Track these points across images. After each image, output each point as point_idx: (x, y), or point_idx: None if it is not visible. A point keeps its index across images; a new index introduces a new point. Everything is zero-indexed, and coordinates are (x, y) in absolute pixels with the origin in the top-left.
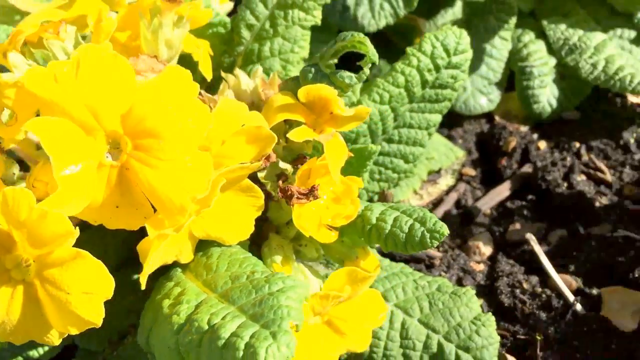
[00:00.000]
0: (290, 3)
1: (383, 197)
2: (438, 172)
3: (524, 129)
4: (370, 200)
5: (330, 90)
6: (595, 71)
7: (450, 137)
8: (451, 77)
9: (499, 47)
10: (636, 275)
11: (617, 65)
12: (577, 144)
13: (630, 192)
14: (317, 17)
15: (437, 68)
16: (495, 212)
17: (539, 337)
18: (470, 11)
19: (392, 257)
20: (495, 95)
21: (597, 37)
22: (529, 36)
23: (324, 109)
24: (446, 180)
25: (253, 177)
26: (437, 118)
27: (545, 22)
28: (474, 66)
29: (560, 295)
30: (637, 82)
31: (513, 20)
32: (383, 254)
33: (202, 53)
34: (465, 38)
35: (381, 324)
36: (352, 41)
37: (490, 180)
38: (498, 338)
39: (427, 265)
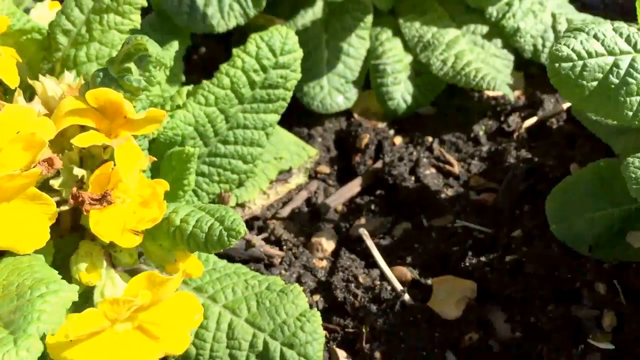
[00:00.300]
0: (105, 7)
1: (221, 199)
2: (289, 171)
3: (381, 125)
4: (213, 202)
5: (116, 93)
6: (445, 67)
7: (310, 136)
8: (281, 77)
9: (357, 45)
10: (467, 264)
11: (465, 61)
12: (430, 139)
13: (476, 183)
14: (135, 20)
15: (264, 69)
16: (345, 209)
17: (364, 330)
18: (330, 11)
19: (231, 258)
20: (353, 93)
21: (451, 33)
22: (386, 34)
23: (117, 113)
24: (298, 179)
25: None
26: (273, 118)
27: (401, 20)
28: (331, 65)
29: (393, 287)
30: (481, 77)
31: (369, 19)
32: (220, 256)
33: (4, 60)
34: (292, 38)
35: (198, 325)
36: (135, 44)
37: (346, 177)
38: (323, 333)
39: (266, 265)
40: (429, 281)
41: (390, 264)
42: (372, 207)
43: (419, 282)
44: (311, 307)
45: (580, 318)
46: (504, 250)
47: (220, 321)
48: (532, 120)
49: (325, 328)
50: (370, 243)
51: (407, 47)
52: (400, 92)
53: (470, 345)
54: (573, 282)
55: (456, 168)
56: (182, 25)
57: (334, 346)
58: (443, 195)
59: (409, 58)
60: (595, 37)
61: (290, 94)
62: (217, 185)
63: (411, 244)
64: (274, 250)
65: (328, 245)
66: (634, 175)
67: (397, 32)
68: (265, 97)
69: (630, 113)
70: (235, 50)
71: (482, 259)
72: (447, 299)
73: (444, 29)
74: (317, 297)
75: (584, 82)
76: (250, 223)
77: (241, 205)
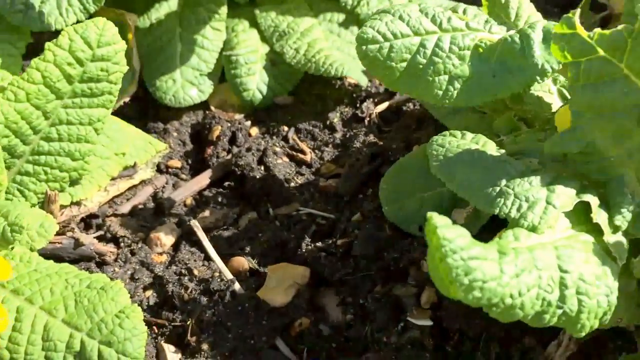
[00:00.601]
0: None
1: (48, 199)
2: (134, 166)
3: (238, 117)
4: (42, 203)
5: None
6: (298, 55)
7: (165, 131)
8: (101, 70)
9: (212, 37)
10: (303, 250)
11: (317, 49)
12: (286, 128)
13: (327, 170)
14: None
15: (80, 62)
16: (194, 202)
17: (189, 323)
18: (184, 3)
19: (60, 259)
20: (207, 85)
21: (306, 22)
22: (242, 25)
23: None
24: (144, 174)
25: None
26: (101, 112)
27: (257, 11)
28: (185, 58)
29: (228, 279)
30: (329, 64)
31: (224, 10)
32: (47, 257)
33: None
34: (109, 29)
35: (4, 329)
36: None
37: (200, 171)
38: (144, 329)
39: (98, 263)
40: (267, 270)
41: (232, 255)
42: (220, 199)
43: (257, 271)
44: (142, 303)
45: (401, 296)
46: (341, 235)
47: (36, 323)
48: (384, 106)
49: (154, 324)
50: (201, 234)
51: (264, 38)
52: (256, 82)
53: (301, 331)
54: (400, 261)
55: (308, 156)
56: (17, 24)
57: (162, 341)
58: (292, 184)
59: (265, 48)
60: (401, 18)
61: (116, 87)
62: (45, 184)
63: (255, 234)
64: (106, 248)
65: (167, 239)
66: (435, 153)
67: (255, 23)
68: (88, 92)
69: (440, 92)
70: (47, 44)
71: (319, 244)
72: (278, 287)
73: (300, 18)
74: (149, 293)
75: (393, 63)
76: (87, 221)
77: (77, 204)
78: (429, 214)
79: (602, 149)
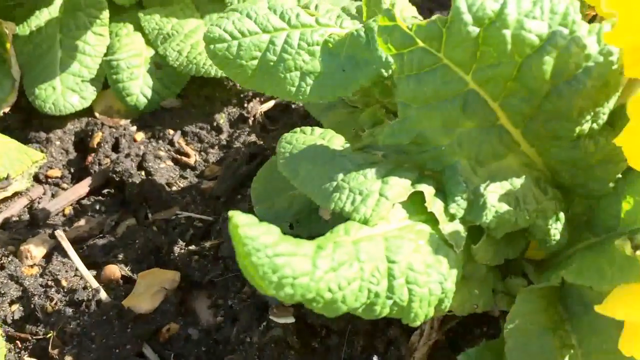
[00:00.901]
0: None
1: None
2: (7, 178)
3: (124, 122)
4: None
5: None
6: (180, 57)
7: (47, 140)
8: None
9: (94, 43)
10: (176, 255)
11: (199, 50)
12: (172, 131)
13: (210, 172)
14: None
15: None
16: (72, 212)
17: (49, 335)
18: (65, 9)
19: None
20: (90, 92)
21: (192, 23)
22: (126, 29)
23: None
24: (19, 186)
25: None
26: None
27: (141, 14)
28: (66, 65)
29: (94, 288)
30: (209, 64)
31: (105, 15)
32: None
33: None
34: None
35: None
36: None
37: (81, 179)
38: (2, 344)
39: None
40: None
41: (106, 263)
42: (98, 207)
43: (130, 278)
44: (6, 317)
45: (265, 296)
46: (216, 237)
47: None
48: (271, 104)
49: (17, 338)
50: (67, 244)
51: (149, 41)
52: (139, 86)
53: (170, 336)
54: None
55: (193, 159)
56: None
57: (26, 356)
58: (175, 188)
59: (150, 52)
60: (248, 15)
61: None
62: None
63: (132, 241)
64: None
65: (38, 251)
66: (283, 150)
67: (139, 27)
68: None
69: (293, 89)
70: None
71: (192, 247)
72: (145, 293)
73: (185, 20)
74: (15, 307)
75: (243, 61)
76: None
77: None
78: (230, 212)
79: (432, 139)
